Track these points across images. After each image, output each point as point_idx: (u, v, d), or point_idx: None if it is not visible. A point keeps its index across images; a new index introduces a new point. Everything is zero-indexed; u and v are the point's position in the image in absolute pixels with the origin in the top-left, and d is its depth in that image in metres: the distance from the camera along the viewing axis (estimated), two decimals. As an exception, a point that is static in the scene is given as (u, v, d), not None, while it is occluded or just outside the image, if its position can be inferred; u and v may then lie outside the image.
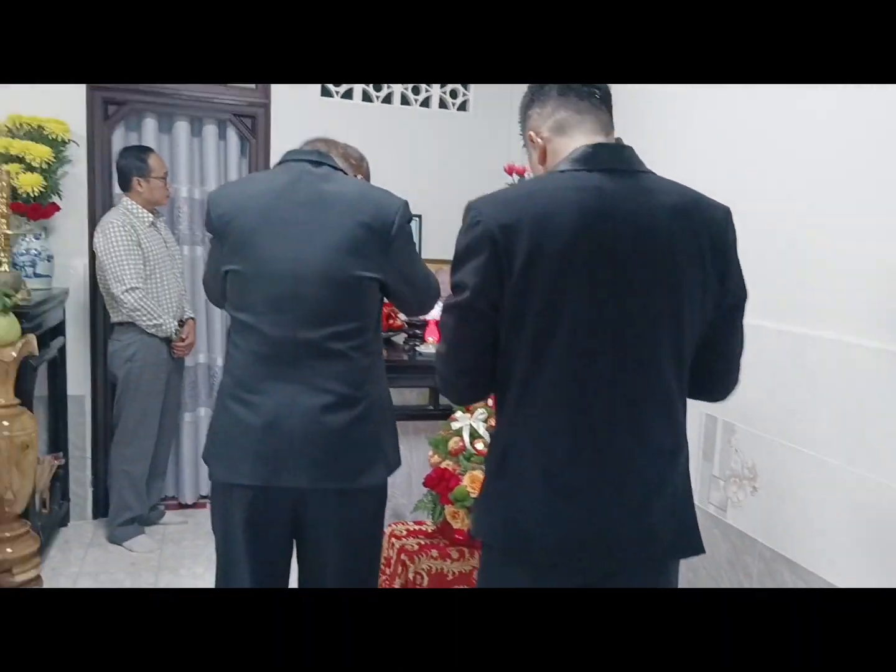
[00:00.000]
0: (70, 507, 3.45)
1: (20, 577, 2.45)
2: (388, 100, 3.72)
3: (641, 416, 1.21)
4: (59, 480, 3.27)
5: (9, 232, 2.71)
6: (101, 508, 3.48)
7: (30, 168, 3.00)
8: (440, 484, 2.22)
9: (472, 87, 3.81)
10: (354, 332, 1.60)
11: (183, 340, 3.23)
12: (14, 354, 2.40)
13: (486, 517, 1.27)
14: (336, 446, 1.59)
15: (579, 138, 1.24)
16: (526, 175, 3.23)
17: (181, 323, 3.26)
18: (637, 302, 1.17)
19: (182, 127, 3.50)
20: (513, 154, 3.73)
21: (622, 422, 1.20)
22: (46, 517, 3.03)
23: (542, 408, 1.19)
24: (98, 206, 3.35)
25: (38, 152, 2.99)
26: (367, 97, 3.68)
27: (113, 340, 3.17)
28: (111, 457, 3.23)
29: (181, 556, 3.20)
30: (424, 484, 2.28)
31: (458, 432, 2.32)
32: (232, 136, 3.58)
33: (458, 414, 2.35)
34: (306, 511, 1.62)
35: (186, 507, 3.73)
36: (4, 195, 2.70)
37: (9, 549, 2.44)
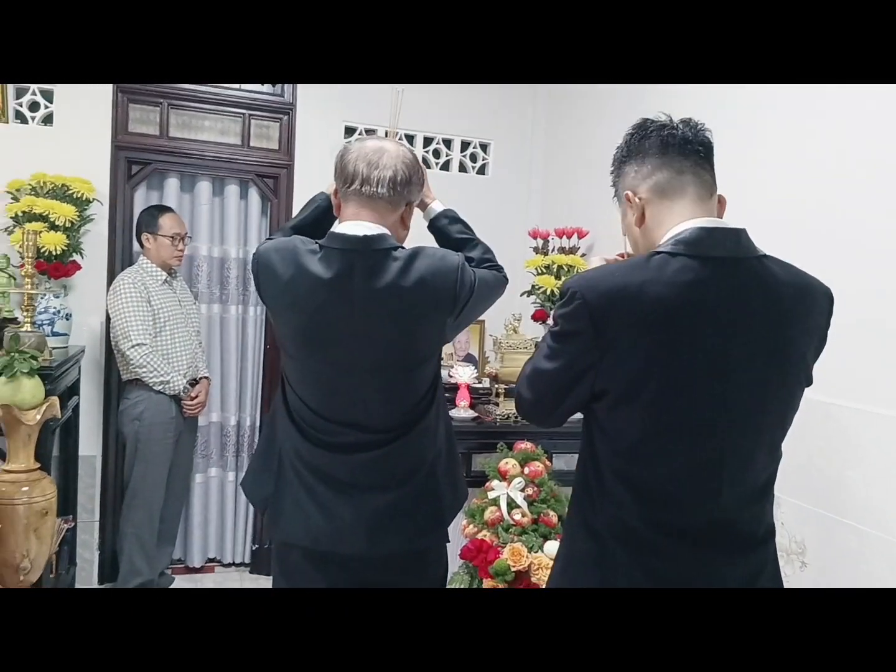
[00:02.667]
0: (76, 571, 3.33)
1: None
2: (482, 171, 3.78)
3: (739, 502, 1.20)
4: (67, 544, 3.16)
5: (34, 292, 2.67)
6: (107, 573, 3.37)
7: (53, 227, 2.98)
8: (478, 556, 2.16)
9: (492, 150, 3.85)
10: None
11: (193, 399, 3.17)
12: (38, 417, 2.34)
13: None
14: None
15: (683, 204, 1.21)
16: (553, 237, 3.24)
17: (195, 381, 3.21)
18: (746, 397, 1.16)
19: (204, 187, 3.51)
20: (531, 216, 3.78)
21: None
22: (54, 583, 2.92)
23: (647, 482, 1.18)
24: (117, 264, 3.32)
25: (63, 211, 2.97)
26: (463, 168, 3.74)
27: (123, 399, 3.12)
28: (121, 520, 3.13)
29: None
30: (461, 556, 2.21)
31: (495, 502, 2.27)
32: (253, 195, 3.59)
33: (495, 483, 2.30)
34: None
35: (194, 570, 3.62)
36: (30, 255, 2.67)
37: (22, 621, 2.34)
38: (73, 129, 3.20)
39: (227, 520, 3.66)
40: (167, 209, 3.20)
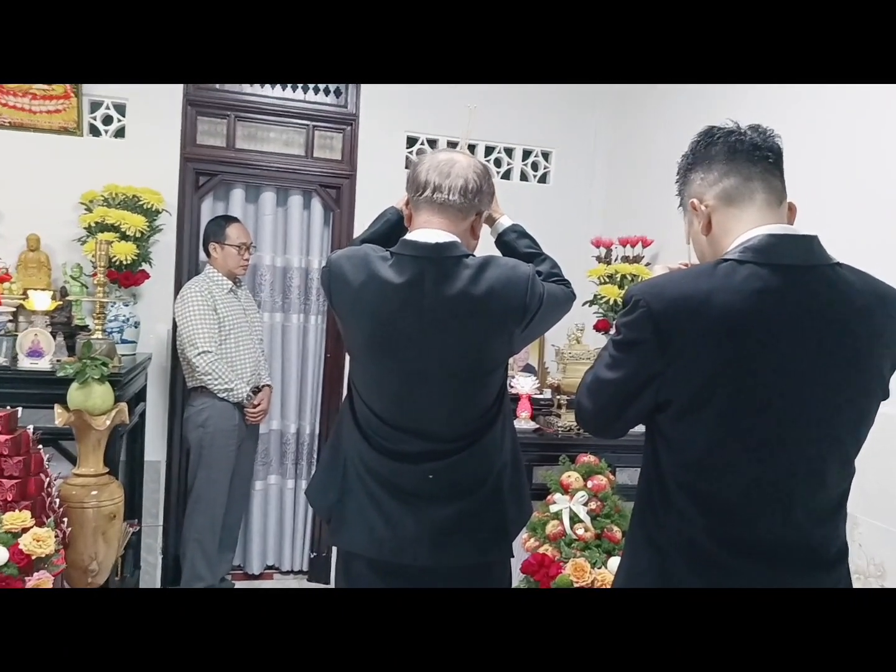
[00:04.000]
0: (140, 574, 3.40)
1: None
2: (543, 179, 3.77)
3: (810, 519, 1.13)
4: (132, 548, 3.23)
5: (106, 300, 2.74)
6: (170, 577, 3.42)
7: (124, 237, 3.06)
8: (540, 571, 2.11)
9: (553, 158, 3.82)
10: None
11: (255, 407, 3.20)
12: (108, 423, 2.39)
13: None
14: None
15: (751, 212, 1.17)
16: (617, 245, 3.18)
17: (257, 389, 3.24)
18: (818, 410, 1.11)
19: (268, 197, 3.56)
20: (594, 225, 3.72)
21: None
22: (119, 586, 2.97)
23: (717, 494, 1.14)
24: (184, 273, 3.40)
25: (133, 221, 3.05)
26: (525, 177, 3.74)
27: (188, 405, 3.17)
28: (184, 525, 3.18)
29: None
30: (522, 570, 2.17)
31: (557, 515, 2.22)
32: (316, 206, 3.62)
33: (557, 496, 2.25)
34: None
35: (253, 577, 3.66)
36: (102, 264, 2.74)
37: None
38: (144, 141, 3.30)
39: (286, 527, 3.69)
40: (234, 219, 3.26)
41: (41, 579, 1.98)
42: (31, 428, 2.26)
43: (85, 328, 3.11)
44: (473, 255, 1.53)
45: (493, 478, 1.58)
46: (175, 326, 3.28)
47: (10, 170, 3.14)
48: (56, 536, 2.10)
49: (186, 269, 3.41)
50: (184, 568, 3.20)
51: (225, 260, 3.18)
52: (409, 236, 1.54)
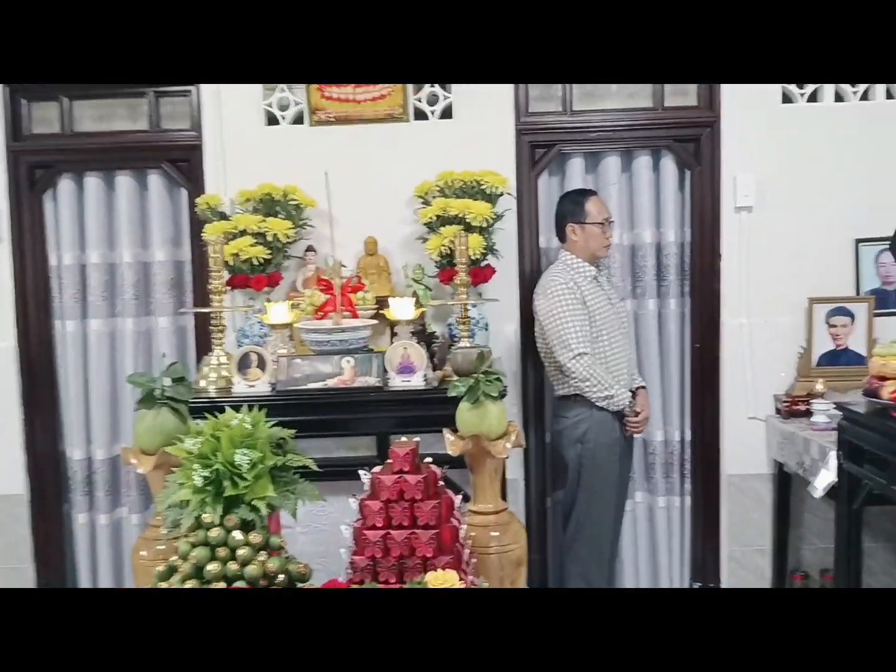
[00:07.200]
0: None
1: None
2: (865, 96, 2.93)
3: None
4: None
5: (470, 302, 2.35)
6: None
7: (468, 228, 2.66)
8: None
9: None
10: None
11: (637, 414, 2.66)
12: (509, 447, 1.96)
13: None
14: None
15: None
16: None
17: (632, 393, 2.70)
18: None
19: (611, 163, 3.00)
20: None
21: None
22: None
23: None
24: (527, 264, 2.96)
25: (479, 209, 2.64)
26: (839, 97, 2.92)
27: (559, 417, 2.71)
28: (566, 558, 2.72)
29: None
30: None
31: None
32: (668, 165, 3.00)
33: None
34: None
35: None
36: (464, 261, 2.35)
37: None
38: (474, 117, 2.89)
39: (661, 552, 3.12)
40: (591, 192, 2.76)
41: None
42: (430, 461, 1.89)
43: (432, 335, 2.77)
44: None
45: None
46: (524, 325, 2.86)
47: (340, 169, 2.86)
48: (469, 593, 1.69)
49: (529, 258, 2.96)
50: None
51: (587, 241, 2.68)
52: None
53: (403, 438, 1.89)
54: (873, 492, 2.20)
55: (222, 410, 1.63)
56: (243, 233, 2.69)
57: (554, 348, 2.59)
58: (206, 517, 1.46)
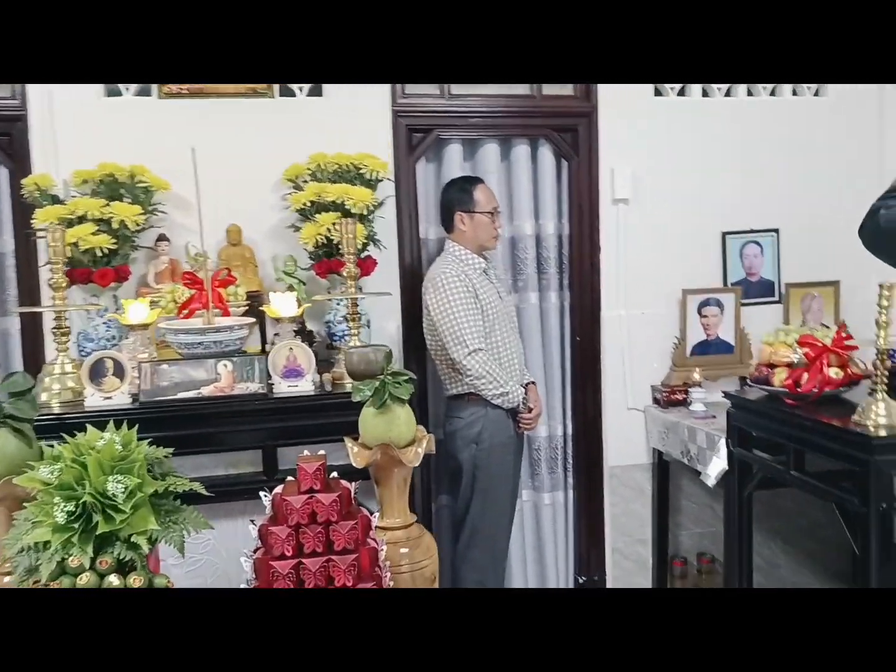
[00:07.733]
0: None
1: None
2: (728, 92, 3.02)
3: None
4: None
5: (358, 296, 2.13)
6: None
7: (347, 215, 2.43)
8: None
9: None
10: None
11: (531, 410, 2.56)
12: (421, 453, 1.78)
13: None
14: None
15: None
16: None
17: (523, 388, 2.60)
18: None
19: (490, 150, 2.88)
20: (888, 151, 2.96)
21: None
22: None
23: None
24: (407, 255, 2.77)
25: (360, 195, 2.42)
26: (706, 93, 2.99)
27: (451, 418, 2.55)
28: (462, 566, 2.56)
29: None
30: None
31: None
32: (546, 155, 2.93)
33: None
34: None
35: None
36: (352, 251, 2.13)
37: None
38: (346, 95, 2.66)
39: (547, 549, 3.05)
40: (478, 180, 2.62)
41: None
42: (336, 475, 1.66)
43: (311, 334, 2.52)
44: None
45: None
46: (406, 322, 2.69)
47: (195, 149, 2.52)
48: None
49: (409, 249, 2.78)
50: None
51: (475, 231, 2.53)
52: None
53: (306, 452, 1.66)
54: (768, 476, 2.23)
55: (73, 428, 1.34)
56: (83, 219, 2.30)
57: (448, 345, 2.42)
58: (73, 561, 1.19)
